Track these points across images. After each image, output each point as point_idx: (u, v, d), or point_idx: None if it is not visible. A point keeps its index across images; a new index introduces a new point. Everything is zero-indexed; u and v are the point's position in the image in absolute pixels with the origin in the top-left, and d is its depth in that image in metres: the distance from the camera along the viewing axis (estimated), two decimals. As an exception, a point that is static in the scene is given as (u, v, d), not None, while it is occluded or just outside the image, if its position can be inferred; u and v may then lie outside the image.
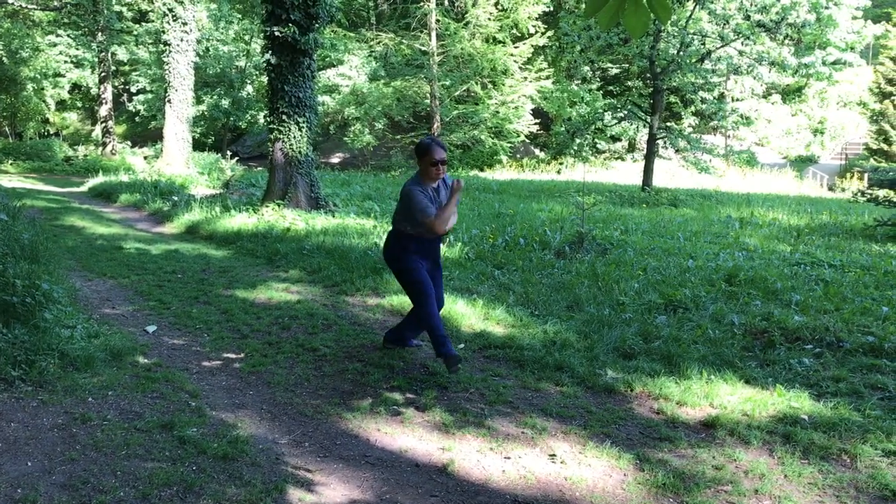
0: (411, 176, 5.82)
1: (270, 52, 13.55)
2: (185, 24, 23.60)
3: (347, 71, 33.15)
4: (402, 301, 7.58)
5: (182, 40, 23.62)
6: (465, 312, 7.08)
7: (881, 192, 12.22)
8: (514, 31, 30.51)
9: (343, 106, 32.12)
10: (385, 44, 31.26)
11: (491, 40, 30.16)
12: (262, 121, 33.31)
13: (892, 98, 31.01)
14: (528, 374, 5.70)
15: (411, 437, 4.55)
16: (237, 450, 4.24)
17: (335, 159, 35.78)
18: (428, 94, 30.31)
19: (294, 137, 13.57)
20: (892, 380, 5.51)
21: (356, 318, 7.15)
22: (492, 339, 6.44)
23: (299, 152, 13.66)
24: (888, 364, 5.78)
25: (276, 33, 13.32)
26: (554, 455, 4.33)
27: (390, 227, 5.99)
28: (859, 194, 13.29)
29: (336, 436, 4.55)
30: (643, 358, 5.97)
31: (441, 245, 6.04)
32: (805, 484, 4.05)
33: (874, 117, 31.97)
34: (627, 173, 30.38)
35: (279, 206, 13.34)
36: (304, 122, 13.66)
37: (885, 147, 30.63)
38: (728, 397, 5.14)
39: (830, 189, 29.75)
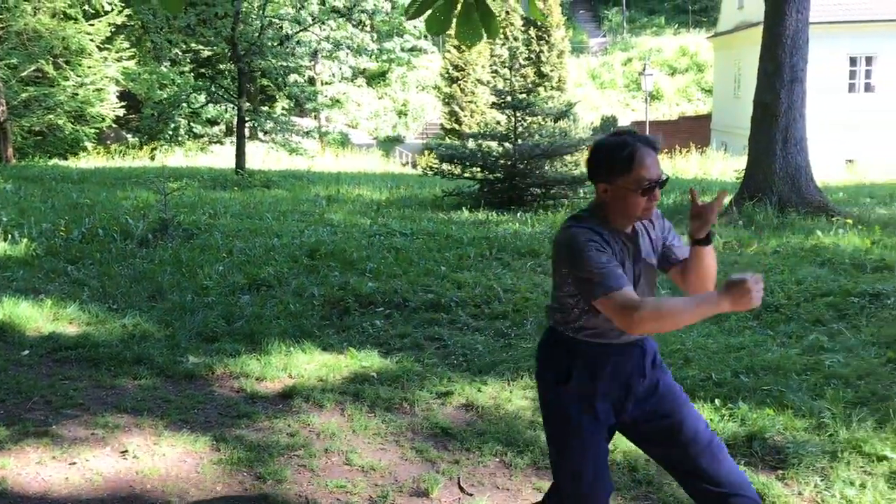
0: (576, 212, 2.81)
1: None
2: None
3: None
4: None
5: None
6: (30, 315, 6.41)
7: (445, 167, 13.69)
8: (88, 7, 28.05)
9: None
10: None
11: (61, 16, 27.36)
12: None
13: (459, 82, 34.74)
14: (104, 372, 5.38)
15: (-46, 461, 4.02)
16: None
17: None
18: (-12, 75, 26.59)
19: None
20: (448, 330, 6.26)
21: None
22: (63, 341, 5.94)
23: None
24: (444, 317, 6.55)
25: None
26: (126, 451, 4.16)
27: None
28: (428, 169, 14.76)
29: None
30: (226, 339, 6.00)
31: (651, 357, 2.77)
32: (371, 435, 4.42)
33: (446, 100, 35.52)
34: (226, 157, 29.87)
35: None
36: None
37: (457, 126, 34.26)
38: (305, 366, 5.40)
39: (413, 166, 32.56)
